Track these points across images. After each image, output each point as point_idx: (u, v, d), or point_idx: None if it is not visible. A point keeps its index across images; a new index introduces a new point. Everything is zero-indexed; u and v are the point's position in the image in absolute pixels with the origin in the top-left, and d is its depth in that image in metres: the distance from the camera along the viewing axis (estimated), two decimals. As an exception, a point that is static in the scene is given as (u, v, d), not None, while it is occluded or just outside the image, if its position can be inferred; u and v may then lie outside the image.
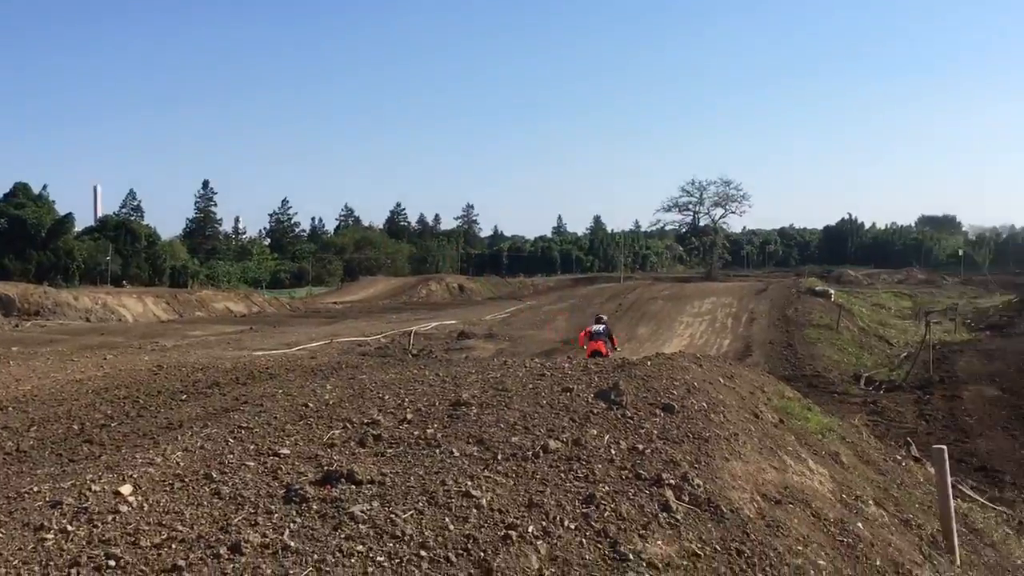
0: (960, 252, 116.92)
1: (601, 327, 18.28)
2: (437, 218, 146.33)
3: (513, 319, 41.13)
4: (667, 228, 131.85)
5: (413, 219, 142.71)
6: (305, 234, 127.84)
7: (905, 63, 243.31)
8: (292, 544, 4.49)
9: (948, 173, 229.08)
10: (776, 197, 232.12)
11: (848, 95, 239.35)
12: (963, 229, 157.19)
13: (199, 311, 55.52)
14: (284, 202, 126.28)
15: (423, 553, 4.46)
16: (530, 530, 4.82)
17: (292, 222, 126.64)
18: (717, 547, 5.15)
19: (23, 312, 47.26)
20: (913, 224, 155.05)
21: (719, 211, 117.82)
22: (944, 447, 8.23)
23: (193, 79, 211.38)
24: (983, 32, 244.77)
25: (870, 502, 7.78)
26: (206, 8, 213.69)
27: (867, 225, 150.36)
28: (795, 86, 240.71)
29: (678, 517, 5.30)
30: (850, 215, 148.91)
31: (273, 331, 37.85)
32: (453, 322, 39.62)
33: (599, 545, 4.83)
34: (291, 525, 4.75)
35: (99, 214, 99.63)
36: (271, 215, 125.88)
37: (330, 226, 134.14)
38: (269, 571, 4.24)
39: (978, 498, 12.43)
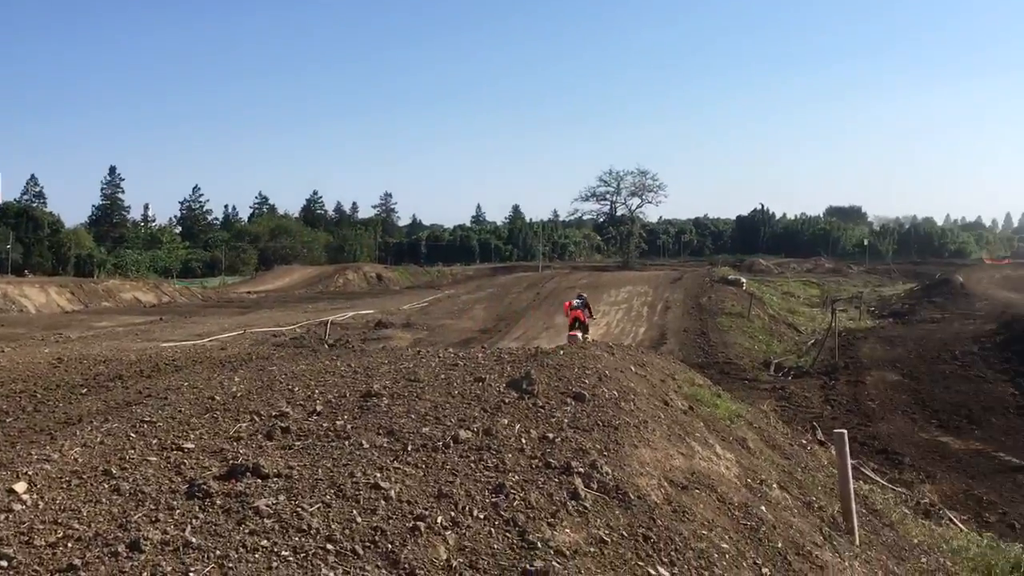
0: (865, 242, 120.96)
1: (579, 301, 22.11)
2: (355, 206, 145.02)
3: (431, 308, 41.02)
4: (585, 218, 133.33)
5: (330, 207, 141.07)
6: (218, 222, 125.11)
7: (813, 58, 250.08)
8: (194, 540, 4.38)
9: (855, 166, 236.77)
10: (691, 187, 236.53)
11: (760, 88, 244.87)
12: (868, 220, 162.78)
13: (106, 301, 53.75)
14: (196, 189, 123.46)
15: (329, 547, 4.40)
16: (439, 521, 4.80)
17: (204, 210, 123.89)
18: (624, 533, 5.22)
19: (-84, 303, 45.10)
20: (821, 215, 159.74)
21: (636, 201, 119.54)
22: (844, 432, 8.53)
23: (99, 62, 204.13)
24: (887, 27, 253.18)
25: (774, 486, 8.00)
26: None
27: (778, 216, 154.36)
28: (709, 78, 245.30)
29: (586, 505, 5.35)
30: (762, 206, 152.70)
31: (184, 322, 36.97)
32: (370, 312, 39.33)
33: (508, 534, 4.84)
34: (193, 521, 4.63)
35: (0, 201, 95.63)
36: (182, 202, 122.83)
37: (244, 214, 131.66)
38: (169, 569, 4.12)
39: (879, 479, 12.92)
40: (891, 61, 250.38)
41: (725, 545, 5.56)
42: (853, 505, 8.13)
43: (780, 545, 6.10)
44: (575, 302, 22.06)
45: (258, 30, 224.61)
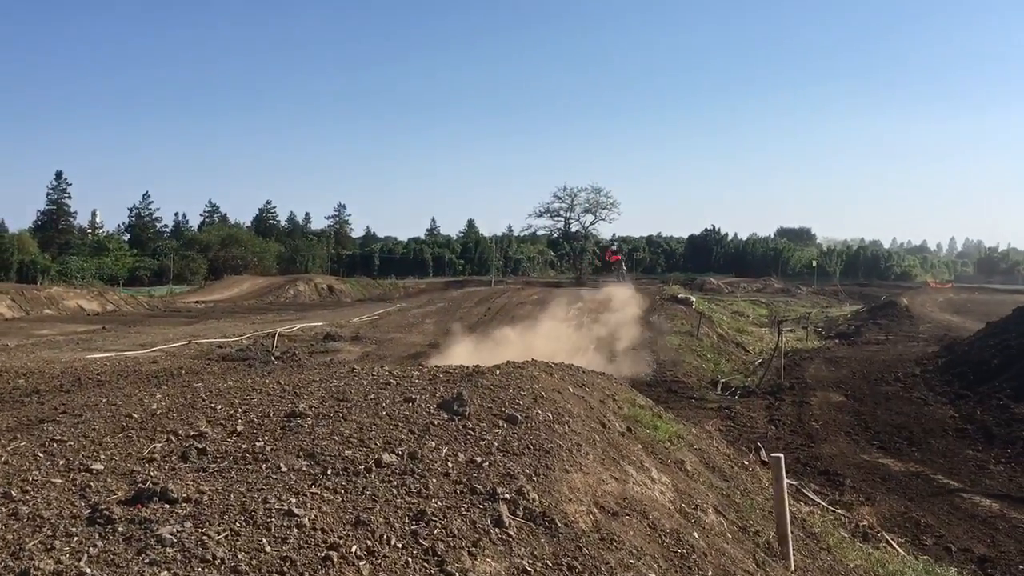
0: (814, 263, 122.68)
1: (615, 247, 26.08)
2: (308, 217, 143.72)
3: (381, 321, 40.59)
4: (539, 233, 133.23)
5: (283, 217, 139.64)
6: (168, 230, 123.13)
7: (765, 82, 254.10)
8: (88, 571, 4.12)
9: (806, 189, 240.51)
10: (645, 206, 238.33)
11: (713, 110, 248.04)
12: (817, 241, 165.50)
13: (48, 309, 52.44)
14: (145, 196, 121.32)
15: (233, 578, 4.18)
16: (353, 550, 4.60)
17: (153, 217, 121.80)
18: (548, 563, 5.05)
19: None
20: (772, 235, 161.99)
21: (589, 218, 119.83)
22: (781, 455, 8.47)
23: (46, 62, 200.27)
24: (839, 54, 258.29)
25: (710, 510, 7.90)
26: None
27: (730, 236, 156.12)
28: (663, 99, 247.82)
29: (511, 533, 5.18)
30: (714, 226, 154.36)
31: (128, 331, 36.12)
32: (320, 324, 38.77)
33: (426, 564, 4.66)
34: (91, 549, 4.37)
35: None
36: (131, 209, 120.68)
37: (194, 223, 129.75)
38: (57, 602, 3.88)
39: (820, 501, 12.91)
40: (842, 87, 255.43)
41: (652, 574, 5.42)
42: (789, 530, 8.06)
43: (710, 574, 5.98)
44: (613, 248, 26.15)
45: (214, 36, 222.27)
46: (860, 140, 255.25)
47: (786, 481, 8.40)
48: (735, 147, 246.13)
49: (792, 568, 7.70)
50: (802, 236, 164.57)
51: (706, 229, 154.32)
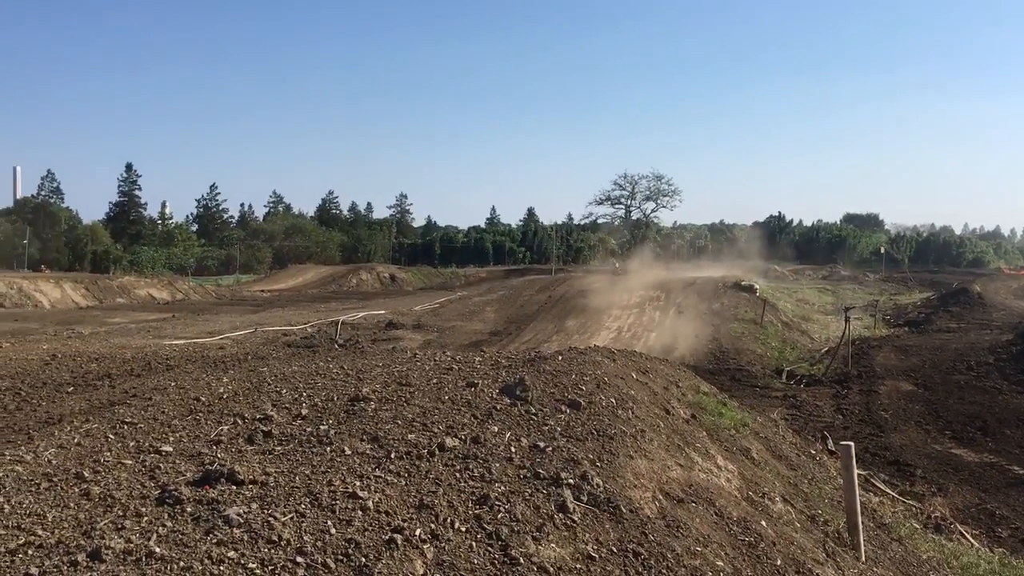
0: (882, 250, 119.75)
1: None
2: (370, 207, 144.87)
3: (443, 310, 40.83)
4: (600, 221, 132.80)
5: (345, 207, 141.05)
6: (234, 221, 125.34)
7: (834, 65, 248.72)
8: (157, 550, 4.17)
9: (873, 173, 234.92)
10: (708, 192, 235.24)
11: (779, 94, 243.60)
12: (885, 227, 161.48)
13: (120, 297, 53.90)
14: (212, 187, 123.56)
15: (299, 559, 4.19)
16: (417, 533, 4.59)
17: (220, 208, 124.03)
18: (613, 549, 4.99)
19: (-68, 297, 45.28)
20: (838, 222, 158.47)
21: (651, 205, 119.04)
22: (851, 443, 8.25)
23: (117, 58, 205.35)
24: (909, 36, 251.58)
25: (777, 499, 7.75)
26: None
27: (795, 222, 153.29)
28: (728, 85, 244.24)
29: (575, 518, 5.12)
30: (779, 213, 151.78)
31: (196, 319, 36.90)
32: (382, 312, 39.16)
33: (490, 548, 4.63)
34: (160, 529, 4.43)
35: (18, 196, 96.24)
36: (199, 201, 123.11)
37: (260, 213, 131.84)
38: (128, 580, 3.93)
39: (889, 492, 12.61)
40: (911, 69, 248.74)
41: (720, 563, 5.32)
42: (859, 520, 7.86)
43: (779, 563, 5.85)
44: None
45: (277, 30, 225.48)
46: (930, 123, 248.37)
47: (856, 471, 8.19)
48: (801, 132, 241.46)
49: (863, 559, 7.51)
50: (869, 222, 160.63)
51: (770, 216, 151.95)
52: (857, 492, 8.00)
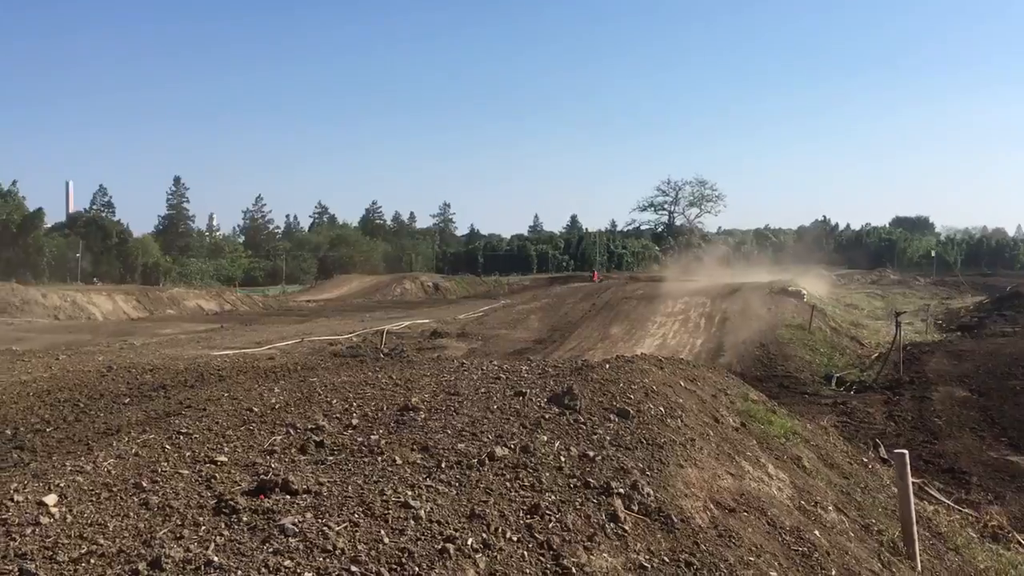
0: (932, 253, 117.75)
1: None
2: (413, 216, 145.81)
3: (487, 318, 40.97)
4: (643, 228, 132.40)
5: (388, 217, 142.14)
6: (279, 232, 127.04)
7: (881, 65, 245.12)
8: (216, 559, 4.25)
9: (923, 175, 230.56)
10: (752, 197, 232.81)
11: (824, 96, 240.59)
12: (936, 230, 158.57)
13: (170, 309, 54.87)
14: (258, 199, 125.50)
15: (354, 568, 4.24)
16: (469, 543, 4.62)
17: (266, 220, 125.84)
18: (665, 559, 4.97)
19: (-10, 310, 46.43)
20: (887, 225, 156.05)
21: (694, 211, 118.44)
22: (905, 452, 8.12)
23: (168, 75, 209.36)
24: (958, 36, 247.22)
25: (830, 508, 7.65)
26: (178, 1, 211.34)
27: (841, 226, 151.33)
28: (773, 88, 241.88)
29: (626, 528, 5.11)
30: (824, 216, 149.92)
31: (244, 329, 37.44)
32: (426, 321, 39.43)
33: (541, 558, 4.64)
34: (217, 538, 4.52)
35: (70, 210, 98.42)
36: (245, 213, 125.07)
37: (304, 224, 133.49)
38: (188, 589, 4.01)
39: (945, 500, 12.38)
40: (960, 70, 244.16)
41: (774, 573, 5.27)
42: (915, 529, 7.74)
43: (834, 573, 5.79)
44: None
45: (320, 44, 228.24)
46: (983, 124, 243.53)
47: (910, 479, 8.06)
48: (846, 134, 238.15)
49: (919, 568, 7.40)
50: (919, 225, 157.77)
51: (816, 220, 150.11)
52: (912, 501, 7.88)
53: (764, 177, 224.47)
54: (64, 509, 4.97)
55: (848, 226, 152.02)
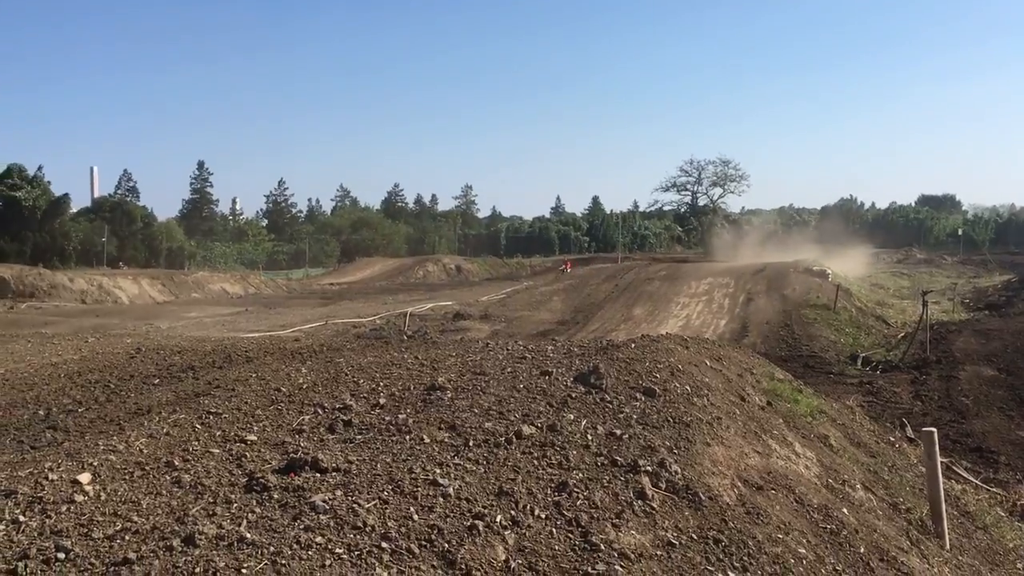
0: (960, 232, 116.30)
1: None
2: (435, 199, 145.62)
3: (509, 300, 41.01)
4: (665, 208, 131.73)
5: (411, 200, 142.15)
6: (302, 215, 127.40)
7: (906, 43, 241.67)
8: (248, 536, 4.31)
9: (950, 153, 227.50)
10: (776, 176, 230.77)
11: (849, 74, 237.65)
12: (963, 208, 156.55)
13: (195, 292, 55.22)
14: (281, 183, 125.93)
15: (384, 545, 4.28)
16: (498, 520, 4.65)
17: (289, 203, 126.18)
18: (693, 535, 4.98)
19: (18, 294, 46.89)
20: (913, 204, 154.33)
21: (717, 191, 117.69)
22: (933, 430, 8.06)
23: (191, 60, 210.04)
24: (985, 14, 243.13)
25: (858, 486, 7.63)
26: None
27: (867, 205, 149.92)
28: (796, 66, 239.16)
29: (654, 505, 5.13)
30: (850, 195, 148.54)
31: (268, 312, 37.71)
32: (449, 303, 39.51)
33: (570, 535, 4.66)
34: (249, 516, 4.57)
35: (95, 195, 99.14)
36: (268, 196, 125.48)
37: (327, 207, 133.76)
38: (222, 564, 4.06)
39: (972, 479, 12.30)
40: (987, 46, 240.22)
41: (802, 550, 5.27)
42: (943, 507, 7.70)
43: (863, 550, 5.77)
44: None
45: (339, 27, 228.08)
46: (1010, 99, 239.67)
47: (938, 458, 8.02)
48: (871, 112, 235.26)
49: (947, 547, 7.36)
50: (946, 203, 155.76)
51: (841, 199, 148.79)
52: (940, 479, 7.84)
53: (787, 156, 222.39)
54: (98, 487, 5.04)
55: (873, 205, 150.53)
